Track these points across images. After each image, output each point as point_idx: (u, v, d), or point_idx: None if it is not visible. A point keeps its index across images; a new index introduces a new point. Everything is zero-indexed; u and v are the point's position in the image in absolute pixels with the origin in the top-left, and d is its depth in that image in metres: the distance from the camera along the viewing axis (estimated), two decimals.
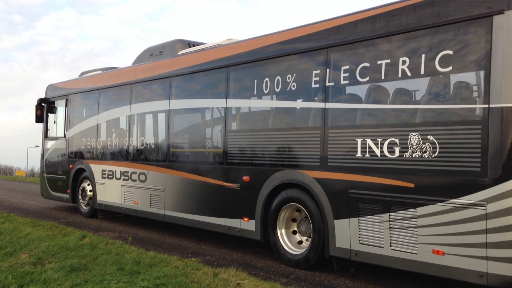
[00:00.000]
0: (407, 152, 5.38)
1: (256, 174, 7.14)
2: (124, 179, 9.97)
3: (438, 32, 5.23)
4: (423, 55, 5.33)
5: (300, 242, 6.82)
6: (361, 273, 6.34)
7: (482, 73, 4.89)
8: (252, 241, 7.37)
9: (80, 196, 11.63)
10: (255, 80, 7.30)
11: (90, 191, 11.20)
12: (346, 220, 5.96)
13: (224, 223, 7.66)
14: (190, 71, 8.57)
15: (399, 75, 5.55)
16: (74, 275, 5.64)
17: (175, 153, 8.92)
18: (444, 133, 5.10)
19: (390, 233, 5.50)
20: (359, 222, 5.82)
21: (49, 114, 12.92)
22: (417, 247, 5.25)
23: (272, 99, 7.26)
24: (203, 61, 8.35)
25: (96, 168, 10.88)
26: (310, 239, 6.54)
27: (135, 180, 9.65)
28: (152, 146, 9.56)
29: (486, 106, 4.79)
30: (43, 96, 13.06)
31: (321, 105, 6.34)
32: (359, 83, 6.02)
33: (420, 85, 5.53)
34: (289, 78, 6.80)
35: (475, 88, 5.05)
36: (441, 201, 5.06)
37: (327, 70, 6.30)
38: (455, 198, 4.96)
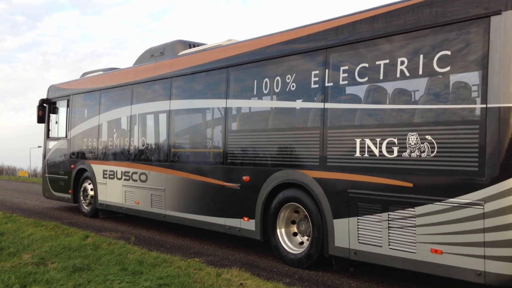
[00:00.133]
0: (406, 152, 5.41)
1: (256, 174, 7.18)
2: (125, 179, 10.01)
3: (436, 32, 5.26)
4: (421, 56, 5.36)
5: (300, 242, 6.85)
6: (362, 272, 6.38)
7: (480, 73, 4.92)
8: (255, 241, 7.38)
9: (81, 196, 11.69)
10: (255, 81, 7.34)
11: (92, 190, 11.25)
12: (345, 219, 5.99)
13: (224, 222, 7.70)
14: (191, 71, 8.62)
15: (398, 75, 5.58)
16: (77, 275, 5.64)
17: (175, 153, 8.96)
18: (442, 133, 5.13)
19: (389, 232, 5.53)
20: (358, 222, 5.85)
21: (50, 114, 12.99)
22: (415, 246, 5.28)
23: (272, 99, 7.30)
24: (204, 62, 8.39)
25: (98, 168, 10.93)
26: (309, 238, 6.57)
27: (136, 180, 9.69)
28: (153, 146, 9.61)
29: (484, 106, 4.82)
30: (45, 96, 13.12)
31: (320, 105, 6.38)
32: (358, 83, 6.05)
33: (418, 85, 5.56)
34: (288, 78, 6.84)
35: (473, 88, 5.09)
36: (439, 201, 5.08)
37: (326, 70, 6.33)
38: (453, 197, 4.99)
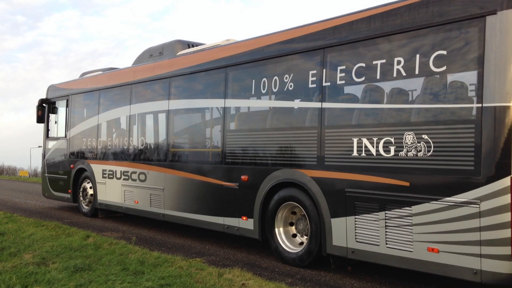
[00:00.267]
0: (402, 151, 5.44)
1: (254, 174, 7.21)
2: (124, 179, 10.04)
3: (432, 32, 5.29)
4: (417, 55, 5.39)
5: (298, 241, 6.88)
6: (360, 271, 6.40)
7: (475, 72, 4.94)
8: (256, 241, 7.37)
9: (81, 196, 11.72)
10: (253, 80, 7.36)
11: (91, 190, 11.28)
12: (342, 218, 6.02)
13: (223, 222, 7.73)
14: (189, 71, 8.64)
15: (395, 75, 5.61)
16: (78, 276, 5.63)
17: (174, 153, 8.99)
18: (439, 132, 5.16)
19: (386, 231, 5.56)
20: (355, 221, 5.88)
21: (50, 114, 13.02)
22: (412, 245, 5.31)
23: (270, 99, 7.32)
24: (202, 62, 8.42)
25: (97, 168, 10.96)
26: (307, 237, 6.60)
27: (135, 180, 9.72)
28: (152, 146, 9.64)
29: (480, 105, 4.85)
30: (44, 96, 13.15)
31: (317, 105, 6.40)
32: (355, 83, 6.08)
33: (415, 85, 5.59)
34: (286, 78, 6.86)
35: (468, 87, 5.10)
36: (436, 200, 5.11)
37: (324, 70, 6.36)
38: (449, 196, 5.01)
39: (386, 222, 5.56)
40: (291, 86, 6.83)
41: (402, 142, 5.44)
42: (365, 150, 5.80)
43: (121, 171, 10.16)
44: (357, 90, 6.16)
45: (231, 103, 7.82)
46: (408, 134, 5.39)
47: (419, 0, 5.41)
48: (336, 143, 6.17)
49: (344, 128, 6.14)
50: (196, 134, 9.08)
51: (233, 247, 8.03)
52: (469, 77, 5.08)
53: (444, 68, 5.20)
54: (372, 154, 5.73)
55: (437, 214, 5.10)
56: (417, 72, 5.40)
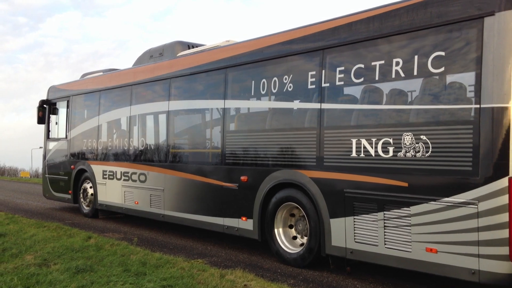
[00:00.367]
0: (401, 151, 5.46)
1: (254, 174, 7.23)
2: (124, 180, 10.07)
3: (431, 33, 5.31)
4: (416, 56, 5.41)
5: (298, 242, 6.90)
6: (365, 272, 6.39)
7: (473, 74, 4.96)
8: (258, 242, 7.35)
9: (81, 197, 11.75)
10: (253, 81, 7.39)
11: (92, 190, 11.30)
12: (341, 219, 6.04)
13: (222, 222, 7.75)
14: (189, 72, 8.67)
15: (393, 76, 5.63)
16: (80, 277, 5.63)
17: (174, 153, 9.01)
18: (437, 133, 5.18)
19: (384, 232, 5.58)
20: (354, 221, 5.90)
21: (50, 115, 13.06)
22: (410, 245, 5.33)
23: (269, 100, 7.35)
24: (202, 63, 8.44)
25: (97, 169, 10.99)
26: (307, 238, 6.62)
27: (135, 181, 9.75)
28: (152, 147, 9.66)
29: (478, 106, 4.87)
30: (45, 97, 13.18)
31: (317, 105, 6.42)
32: (354, 84, 6.10)
33: (413, 86, 5.61)
34: (285, 79, 6.89)
35: (466, 88, 5.12)
36: (434, 200, 5.13)
37: (323, 71, 6.38)
38: (447, 197, 5.03)
39: (384, 223, 5.58)
40: (290, 87, 6.85)
41: (400, 143, 5.46)
42: (364, 151, 5.82)
43: (121, 172, 10.19)
44: (356, 91, 6.19)
45: (231, 104, 7.84)
46: (407, 135, 5.41)
47: (418, 1, 5.44)
48: (335, 143, 6.19)
49: (343, 129, 6.16)
50: (196, 135, 9.10)
51: (235, 248, 8.02)
52: (467, 78, 5.10)
53: (443, 69, 5.22)
54: (371, 155, 5.75)
55: (436, 215, 5.11)
56: (415, 73, 5.42)
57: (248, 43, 7.69)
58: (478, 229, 4.80)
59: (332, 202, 6.15)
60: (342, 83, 6.22)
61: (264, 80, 7.20)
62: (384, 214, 5.58)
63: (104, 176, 10.74)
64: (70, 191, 11.99)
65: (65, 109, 12.48)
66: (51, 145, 12.99)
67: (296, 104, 7.04)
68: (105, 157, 10.85)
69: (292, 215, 6.98)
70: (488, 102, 4.79)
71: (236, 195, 7.48)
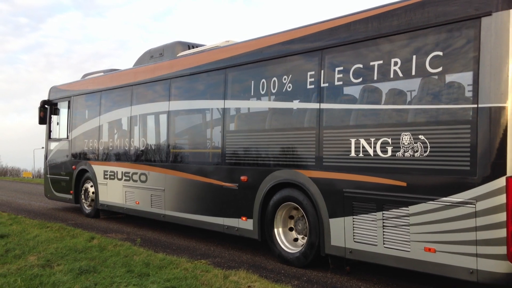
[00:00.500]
0: (399, 151, 5.47)
1: (254, 174, 7.25)
2: (125, 180, 10.10)
3: (428, 33, 5.32)
4: (414, 56, 5.42)
5: (297, 241, 6.92)
6: (370, 273, 6.38)
7: (471, 73, 4.97)
8: (261, 243, 7.34)
9: (83, 197, 11.79)
10: (252, 81, 7.41)
11: (93, 191, 11.35)
12: (341, 218, 6.06)
13: (223, 222, 7.77)
14: (189, 72, 8.69)
15: (391, 76, 5.64)
16: (83, 278, 5.62)
17: (174, 153, 9.04)
18: (435, 132, 5.19)
19: (383, 231, 5.59)
20: (353, 221, 5.91)
21: (52, 115, 13.10)
22: (409, 245, 5.35)
23: (269, 100, 7.37)
24: (202, 63, 8.47)
25: (98, 169, 11.02)
26: (306, 237, 6.64)
27: (136, 181, 9.78)
28: (153, 147, 9.69)
29: (475, 106, 4.88)
30: (46, 98, 13.22)
31: (316, 105, 6.44)
32: (352, 84, 6.12)
33: (411, 86, 5.63)
34: (285, 79, 6.91)
35: (464, 88, 5.13)
36: (432, 200, 5.15)
37: (322, 71, 6.40)
38: (445, 196, 5.05)
39: (383, 222, 5.59)
40: (289, 87, 6.87)
41: (399, 143, 5.48)
42: (362, 151, 5.84)
43: (122, 172, 10.22)
44: (354, 91, 6.21)
45: (231, 104, 7.87)
46: (405, 135, 5.42)
47: (416, 1, 5.45)
48: (334, 143, 6.21)
49: (342, 128, 6.17)
50: (196, 135, 9.13)
51: (238, 249, 8.00)
52: (465, 78, 5.12)
53: (440, 69, 5.23)
54: (370, 155, 5.76)
55: (434, 214, 5.13)
56: (413, 73, 5.43)
57: (247, 43, 7.71)
58: (476, 229, 4.82)
59: (331, 201, 6.17)
60: (341, 83, 6.24)
61: (263, 80, 7.22)
62: (383, 213, 5.60)
63: (105, 176, 10.77)
64: (71, 191, 12.03)
65: (66, 110, 12.52)
66: (53, 145, 13.03)
67: (295, 104, 7.06)
68: (106, 157, 10.89)
69: (292, 215, 7.00)
70: (486, 101, 4.80)
71: (236, 195, 7.50)
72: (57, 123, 12.98)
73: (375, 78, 5.83)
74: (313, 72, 6.53)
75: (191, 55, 8.98)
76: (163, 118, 9.42)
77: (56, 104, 12.99)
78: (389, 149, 5.58)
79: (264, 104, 7.56)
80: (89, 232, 8.87)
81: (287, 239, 6.97)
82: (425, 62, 5.31)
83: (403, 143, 5.44)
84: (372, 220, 5.70)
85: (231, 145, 7.76)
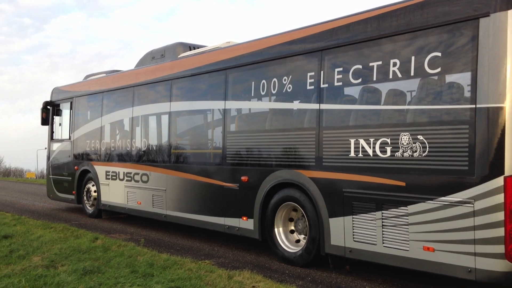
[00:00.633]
0: (398, 151, 5.51)
1: (254, 174, 7.29)
2: (127, 180, 10.16)
3: (427, 34, 5.36)
4: (413, 57, 5.46)
5: (297, 241, 6.96)
6: (360, 270, 6.43)
7: (469, 74, 5.01)
8: (265, 243, 7.34)
9: (85, 197, 11.85)
10: (252, 82, 7.45)
11: (95, 192, 11.40)
12: (340, 218, 6.09)
13: (223, 222, 7.82)
14: (190, 73, 8.74)
15: (390, 76, 5.68)
16: (88, 278, 5.63)
17: (176, 154, 9.09)
18: (433, 133, 5.23)
19: (382, 231, 5.63)
20: (353, 220, 5.95)
21: (54, 116, 13.16)
22: (408, 244, 5.38)
23: (269, 100, 7.41)
24: (203, 64, 8.52)
25: (100, 170, 11.08)
26: (306, 237, 6.67)
27: (137, 181, 9.83)
28: (154, 148, 9.74)
29: (473, 106, 4.91)
30: (49, 99, 13.29)
31: (315, 106, 6.48)
32: (352, 84, 6.16)
33: (410, 87, 5.66)
34: (285, 80, 6.95)
35: (462, 89, 5.16)
36: (431, 199, 5.18)
37: (321, 72, 6.44)
38: (444, 196, 5.08)
39: (382, 222, 5.63)
40: (289, 88, 6.91)
41: (398, 143, 5.51)
42: (362, 151, 5.88)
43: (124, 173, 10.28)
44: (354, 91, 6.25)
45: (231, 104, 7.91)
46: (404, 135, 5.46)
47: (415, 2, 5.49)
48: (333, 144, 6.25)
49: (341, 129, 6.21)
50: (197, 136, 9.17)
51: (242, 249, 7.99)
52: (463, 79, 5.15)
53: (439, 69, 5.27)
54: (369, 155, 5.80)
55: (432, 214, 5.16)
56: (412, 73, 5.47)
57: (247, 44, 7.75)
58: (474, 228, 4.85)
59: (331, 201, 6.20)
60: (340, 83, 6.28)
61: (263, 81, 7.26)
62: (382, 213, 5.63)
63: (107, 177, 10.83)
64: (73, 192, 12.10)
65: (69, 111, 12.58)
66: (55, 146, 13.10)
67: (295, 105, 7.09)
68: (108, 157, 10.95)
69: (292, 215, 7.04)
70: (484, 102, 4.84)
71: (237, 195, 7.55)
72: (60, 124, 13.04)
73: (374, 78, 5.87)
74: (313, 73, 6.57)
75: (192, 56, 9.03)
76: (164, 119, 9.48)
77: (58, 105, 13.06)
78: (388, 149, 5.61)
79: (265, 104, 7.60)
80: (92, 233, 8.88)
81: (288, 239, 7.01)
82: (424, 63, 5.34)
83: (402, 143, 5.47)
84: (372, 220, 5.74)
85: (232, 146, 7.80)
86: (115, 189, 10.56)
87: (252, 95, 7.59)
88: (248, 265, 6.78)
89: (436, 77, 5.37)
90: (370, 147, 5.80)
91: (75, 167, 12.02)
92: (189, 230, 9.56)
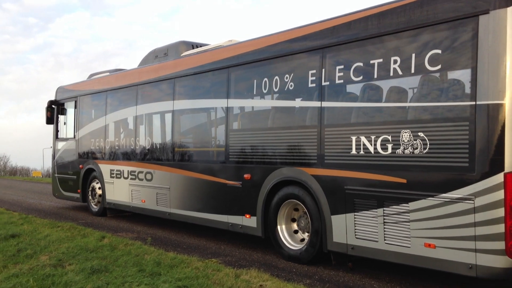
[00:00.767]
0: (399, 148, 5.54)
1: (257, 172, 7.34)
2: (131, 178, 10.23)
3: (427, 32, 5.37)
4: (413, 54, 5.48)
5: (300, 238, 7.00)
6: (362, 267, 6.46)
7: (469, 71, 5.02)
8: (266, 240, 7.38)
9: (90, 196, 11.94)
10: (255, 80, 7.49)
11: (100, 189, 11.49)
12: (342, 215, 6.13)
13: (227, 220, 7.87)
14: (193, 72, 8.79)
15: (391, 74, 5.70)
16: (95, 277, 5.63)
17: (179, 152, 9.14)
18: (434, 130, 5.25)
19: (384, 228, 5.66)
20: (355, 217, 5.98)
21: (59, 115, 13.26)
22: (409, 241, 5.41)
23: (271, 98, 7.45)
24: (205, 62, 8.55)
25: (105, 168, 11.16)
26: (308, 234, 6.71)
27: (142, 179, 9.90)
28: (158, 146, 9.80)
29: (473, 103, 4.93)
30: (53, 98, 13.38)
31: (317, 104, 6.51)
32: (353, 82, 6.18)
33: (411, 84, 5.68)
34: (286, 78, 6.98)
35: (462, 86, 5.18)
36: (432, 196, 5.21)
37: (323, 70, 6.46)
38: (445, 192, 5.11)
39: (384, 219, 5.66)
40: (291, 85, 6.94)
41: (399, 140, 5.54)
42: (363, 148, 5.90)
43: (128, 171, 10.35)
44: (355, 89, 6.27)
45: (234, 103, 7.95)
46: (405, 132, 5.48)
47: (414, 0, 5.50)
48: (335, 141, 6.28)
49: (343, 126, 6.24)
50: (200, 134, 9.22)
51: (249, 247, 8.00)
52: (463, 76, 5.17)
53: (439, 67, 5.28)
54: (370, 152, 5.83)
55: (433, 210, 5.19)
56: (413, 71, 5.49)
57: (249, 42, 7.79)
58: (474, 224, 4.87)
59: (333, 199, 6.24)
60: (341, 81, 6.30)
61: (265, 79, 7.29)
62: (383, 210, 5.66)
63: (112, 175, 10.91)
64: (79, 190, 12.19)
65: (73, 109, 12.67)
66: (60, 145, 13.20)
67: (297, 103, 7.12)
68: (113, 156, 11.02)
69: (295, 212, 7.08)
70: (484, 99, 4.85)
71: (240, 193, 7.59)
72: (64, 123, 13.15)
73: (375, 76, 5.89)
74: (314, 71, 6.59)
75: (194, 55, 9.07)
76: (167, 118, 9.53)
77: (63, 104, 13.15)
78: (389, 146, 5.64)
79: (267, 102, 7.64)
80: (99, 231, 8.90)
81: (290, 236, 7.06)
82: (424, 60, 5.36)
83: (403, 141, 5.50)
84: (373, 217, 5.77)
85: (235, 144, 7.84)
86: (119, 187, 10.64)
87: (254, 93, 7.62)
88: (255, 264, 6.78)
89: (436, 74, 5.39)
90: (371, 145, 5.82)
91: (80, 166, 12.11)
92: (195, 229, 9.58)
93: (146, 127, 10.32)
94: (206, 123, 9.07)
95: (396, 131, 5.57)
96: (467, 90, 5.07)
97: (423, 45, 5.40)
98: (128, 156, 10.48)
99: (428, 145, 5.28)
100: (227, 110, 7.99)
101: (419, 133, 5.35)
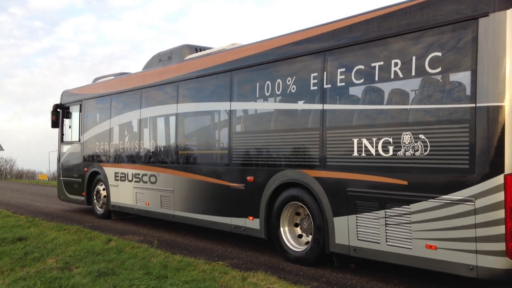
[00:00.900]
0: (400, 150, 5.57)
1: (260, 174, 7.39)
2: (136, 181, 10.30)
3: (427, 34, 5.42)
4: (413, 57, 5.52)
5: (303, 240, 7.04)
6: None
7: (469, 73, 5.06)
8: (269, 242, 7.40)
9: (95, 198, 12.02)
10: (257, 83, 7.55)
11: (104, 192, 11.57)
12: (344, 217, 6.17)
13: (230, 222, 7.92)
14: (196, 75, 8.86)
15: (392, 76, 5.74)
16: (102, 280, 5.63)
17: (183, 155, 9.21)
18: (435, 132, 5.29)
19: (386, 229, 5.69)
20: (357, 219, 6.02)
21: (64, 119, 13.36)
22: (411, 242, 5.44)
23: (274, 101, 7.50)
24: (208, 66, 8.63)
25: (110, 171, 11.24)
26: (311, 236, 6.75)
27: (146, 182, 9.97)
28: (162, 149, 9.87)
29: (473, 105, 4.96)
30: (59, 101, 13.49)
31: (319, 106, 6.56)
32: (354, 85, 6.23)
33: (411, 86, 5.71)
34: (289, 81, 7.03)
35: (462, 88, 5.21)
36: (433, 198, 5.24)
37: (325, 72, 6.51)
38: (445, 194, 5.14)
39: (386, 220, 5.69)
40: (293, 88, 6.99)
41: (400, 142, 5.57)
42: (365, 150, 5.94)
43: (132, 174, 10.42)
44: (356, 91, 6.31)
45: (237, 106, 8.01)
46: (406, 134, 5.52)
47: (415, 3, 5.54)
48: (337, 143, 6.32)
49: (344, 129, 6.28)
50: (203, 137, 9.28)
51: (255, 250, 7.97)
52: (463, 78, 5.20)
53: (439, 69, 5.32)
54: (372, 154, 5.86)
55: (434, 212, 5.22)
56: (413, 73, 5.53)
57: (252, 46, 7.85)
58: (475, 226, 4.90)
59: (335, 201, 6.28)
60: (343, 84, 6.35)
61: (268, 82, 7.35)
62: (385, 212, 5.70)
63: (116, 178, 10.99)
64: (83, 193, 12.27)
65: (78, 113, 12.77)
66: (65, 148, 13.30)
67: (299, 105, 7.17)
68: (117, 159, 11.10)
69: (298, 214, 7.12)
70: (484, 101, 4.89)
71: (243, 195, 7.64)
72: (69, 126, 13.24)
73: (376, 79, 5.93)
74: (316, 74, 6.64)
75: (198, 58, 9.14)
76: (171, 121, 9.60)
77: (68, 108, 13.26)
78: (391, 148, 5.68)
79: (269, 105, 7.70)
80: (106, 234, 8.92)
81: (293, 238, 7.10)
82: (425, 63, 5.40)
83: (404, 143, 5.54)
84: (375, 219, 5.80)
85: (238, 146, 7.90)
86: (124, 190, 10.71)
87: (257, 96, 7.67)
88: (262, 266, 6.78)
89: (436, 77, 5.43)
90: (372, 147, 5.86)
91: (85, 169, 12.21)
92: (201, 231, 9.61)
93: (150, 130, 10.39)
94: (209, 126, 9.14)
95: (397, 133, 5.61)
96: (467, 92, 5.10)
97: (424, 48, 5.44)
98: (133, 159, 10.56)
99: (429, 147, 5.32)
100: (230, 113, 8.05)
101: (420, 135, 5.39)
